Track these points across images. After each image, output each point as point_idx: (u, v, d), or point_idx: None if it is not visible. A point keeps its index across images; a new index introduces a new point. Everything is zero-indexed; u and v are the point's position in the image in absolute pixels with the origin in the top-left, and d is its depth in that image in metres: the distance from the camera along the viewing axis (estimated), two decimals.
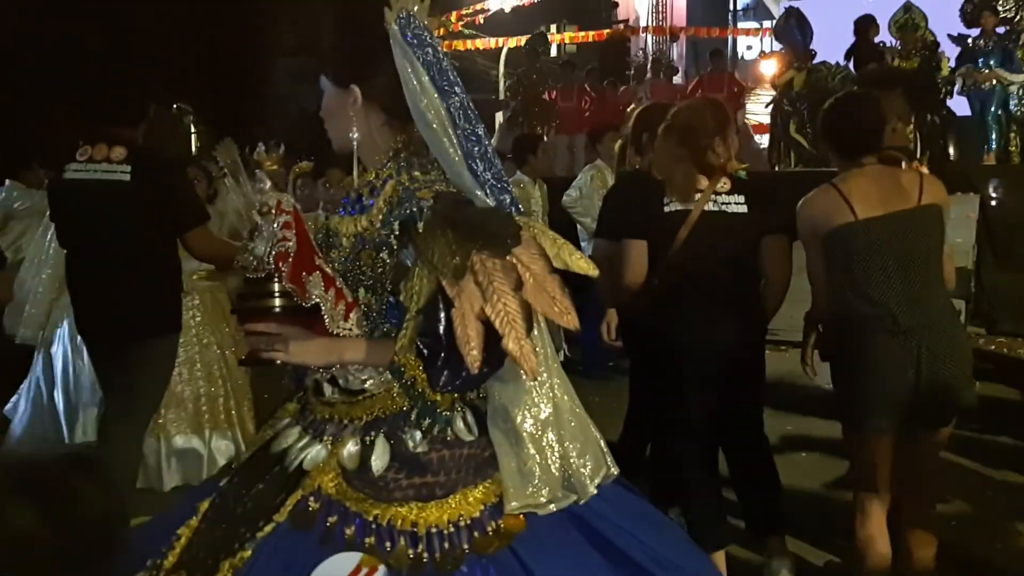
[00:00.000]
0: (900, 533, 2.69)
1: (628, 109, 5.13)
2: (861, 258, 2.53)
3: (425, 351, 1.49)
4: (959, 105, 9.03)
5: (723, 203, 2.89)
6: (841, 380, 2.67)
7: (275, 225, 1.57)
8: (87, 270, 3.31)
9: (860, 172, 2.61)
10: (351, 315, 1.61)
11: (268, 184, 1.61)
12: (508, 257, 1.43)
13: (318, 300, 1.57)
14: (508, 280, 1.42)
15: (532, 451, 1.58)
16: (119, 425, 3.29)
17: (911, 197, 2.54)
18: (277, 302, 1.58)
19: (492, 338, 1.41)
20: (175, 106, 7.18)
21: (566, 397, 1.63)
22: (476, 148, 1.57)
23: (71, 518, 1.00)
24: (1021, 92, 8.44)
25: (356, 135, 1.67)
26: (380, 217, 1.61)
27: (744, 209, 2.89)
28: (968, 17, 8.78)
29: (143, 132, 3.29)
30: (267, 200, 1.58)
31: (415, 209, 1.56)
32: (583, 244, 5.30)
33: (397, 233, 1.58)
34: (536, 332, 1.51)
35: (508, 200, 1.59)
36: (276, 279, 1.57)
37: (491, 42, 13.81)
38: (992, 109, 8.66)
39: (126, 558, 1.70)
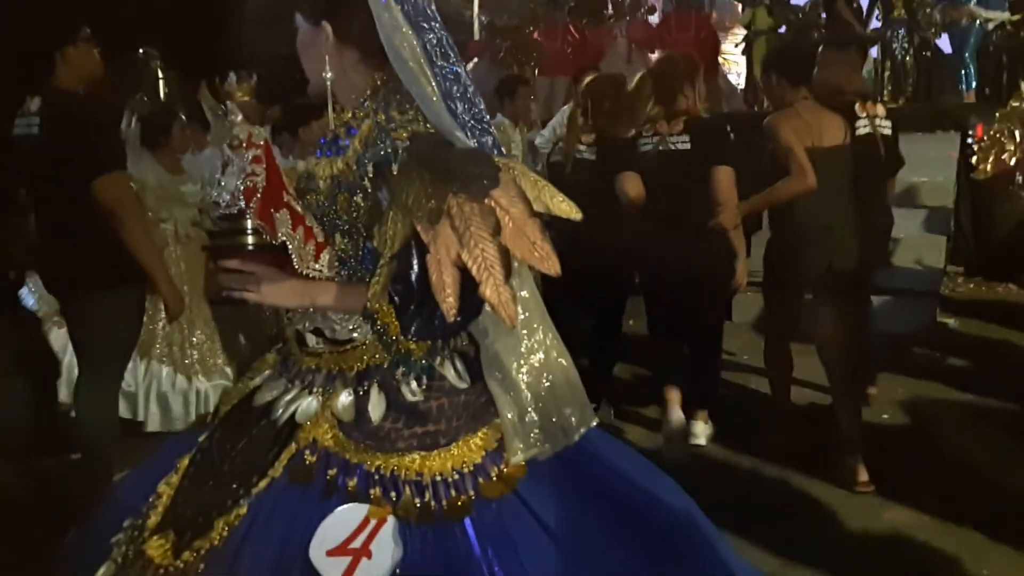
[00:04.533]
0: None
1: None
2: None
3: (397, 298, 1.41)
4: (943, 43, 8.93)
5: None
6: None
7: (245, 159, 1.52)
8: (40, 227, 3.25)
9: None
10: (322, 255, 1.56)
11: (239, 116, 1.56)
12: (486, 200, 1.36)
13: (285, 238, 1.52)
14: (486, 224, 1.34)
15: (530, 400, 1.57)
16: (87, 382, 3.23)
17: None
18: (249, 240, 1.53)
19: (469, 285, 1.35)
20: (140, 51, 6.92)
21: (555, 344, 1.61)
22: (455, 87, 1.52)
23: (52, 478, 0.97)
24: (998, 31, 8.33)
25: (329, 74, 1.61)
26: (355, 158, 1.56)
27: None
28: None
29: (77, 76, 3.07)
30: (238, 133, 1.53)
31: (390, 150, 1.50)
32: None
33: (371, 175, 1.52)
34: (519, 279, 1.48)
35: (489, 142, 1.53)
36: (247, 216, 1.52)
37: None
38: (970, 46, 8.58)
39: (106, 518, 1.66)
